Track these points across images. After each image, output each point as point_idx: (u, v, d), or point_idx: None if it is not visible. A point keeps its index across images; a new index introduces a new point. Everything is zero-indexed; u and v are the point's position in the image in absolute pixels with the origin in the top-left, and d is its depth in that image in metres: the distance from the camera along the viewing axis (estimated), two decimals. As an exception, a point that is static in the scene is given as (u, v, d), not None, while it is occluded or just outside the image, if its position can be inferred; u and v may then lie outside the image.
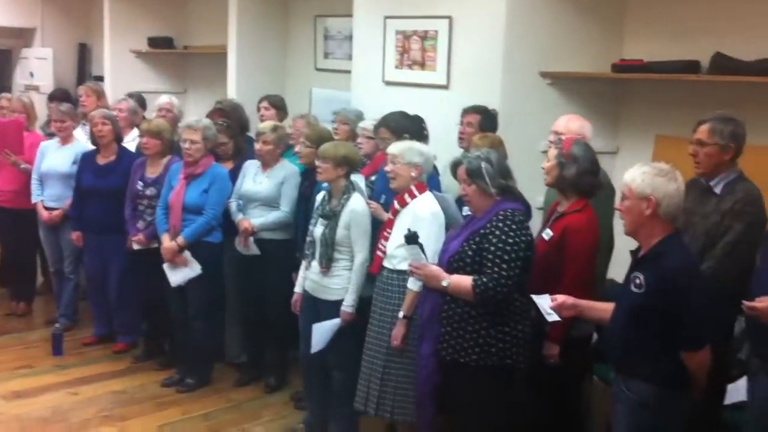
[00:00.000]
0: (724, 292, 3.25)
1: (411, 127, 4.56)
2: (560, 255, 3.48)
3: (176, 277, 4.81)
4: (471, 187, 3.40)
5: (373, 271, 4.02)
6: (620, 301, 3.09)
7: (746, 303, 3.09)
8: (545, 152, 3.54)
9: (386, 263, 3.91)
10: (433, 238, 3.69)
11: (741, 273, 3.39)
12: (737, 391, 3.76)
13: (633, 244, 3.11)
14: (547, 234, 3.58)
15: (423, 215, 3.78)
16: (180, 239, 4.76)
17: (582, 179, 3.55)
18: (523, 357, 3.39)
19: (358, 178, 4.36)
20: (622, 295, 3.10)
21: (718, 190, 3.53)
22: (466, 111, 4.67)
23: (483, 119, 4.60)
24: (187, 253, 4.77)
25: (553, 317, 3.21)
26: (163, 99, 6.21)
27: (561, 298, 3.20)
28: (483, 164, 3.37)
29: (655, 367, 2.94)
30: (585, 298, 3.36)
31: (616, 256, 3.97)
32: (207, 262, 4.81)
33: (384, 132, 4.53)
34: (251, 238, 4.77)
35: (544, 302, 3.22)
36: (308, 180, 4.73)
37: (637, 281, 2.95)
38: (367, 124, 4.79)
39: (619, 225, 3.16)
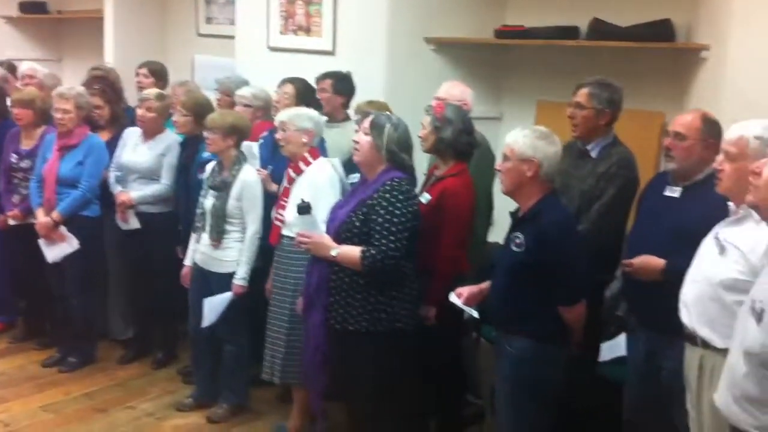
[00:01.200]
0: (599, 252, 3.35)
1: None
2: (438, 218, 3.51)
3: (53, 253, 4.61)
4: (366, 138, 3.38)
5: (272, 242, 3.97)
6: (501, 261, 3.16)
7: (624, 261, 3.22)
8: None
9: (286, 232, 3.87)
10: (330, 205, 3.66)
11: (615, 233, 3.52)
12: (617, 346, 3.91)
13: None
14: (425, 198, 3.61)
15: (320, 182, 3.76)
16: (55, 214, 4.55)
17: (459, 139, 3.61)
18: (413, 320, 3.42)
19: (251, 145, 4.28)
20: (502, 255, 3.17)
21: (594, 153, 3.62)
22: (319, 78, 4.65)
23: (335, 82, 4.59)
24: (63, 228, 4.57)
25: (473, 312, 3.24)
26: (25, 66, 5.85)
27: (465, 292, 3.24)
28: (388, 125, 3.36)
29: (534, 323, 3.04)
30: (462, 258, 3.50)
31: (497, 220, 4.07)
32: (85, 237, 4.62)
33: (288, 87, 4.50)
34: (130, 212, 4.62)
35: (457, 301, 3.24)
36: (187, 150, 4.61)
37: (517, 241, 3.03)
38: (245, 91, 4.69)
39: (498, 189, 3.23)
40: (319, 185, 3.75)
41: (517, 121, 4.39)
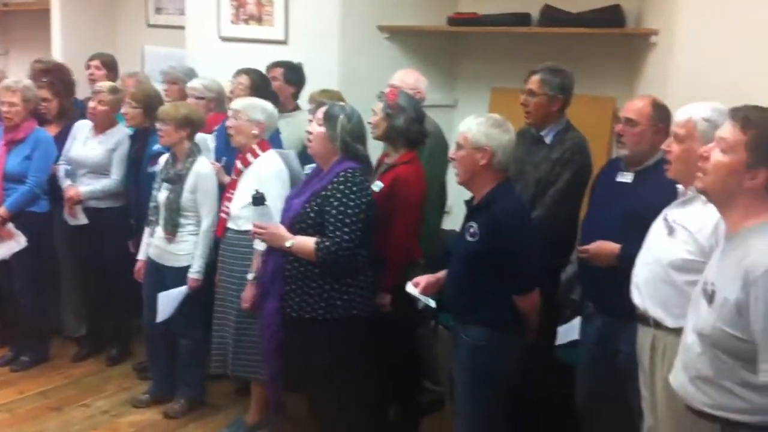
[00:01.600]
0: (554, 238, 3.37)
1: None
2: (391, 205, 3.51)
3: (0, 250, 4.50)
4: (320, 129, 3.35)
5: (218, 234, 3.93)
6: (456, 250, 3.16)
7: (579, 247, 3.24)
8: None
9: (231, 224, 3.83)
10: (278, 198, 3.63)
11: (569, 219, 3.54)
12: (572, 329, 3.95)
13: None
14: (377, 186, 3.60)
15: (267, 175, 3.72)
16: (2, 210, 4.45)
17: (411, 128, 3.60)
18: (368, 307, 3.42)
19: (205, 138, 4.22)
20: (457, 244, 3.17)
21: (548, 140, 3.63)
22: (270, 67, 4.61)
23: (286, 71, 4.56)
24: (10, 225, 4.46)
25: (429, 302, 3.23)
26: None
27: (422, 281, 3.23)
28: (342, 116, 3.33)
29: (489, 312, 3.05)
30: (414, 246, 3.52)
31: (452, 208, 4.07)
32: (33, 234, 4.52)
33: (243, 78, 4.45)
34: (78, 207, 4.54)
35: (414, 291, 3.23)
36: (137, 143, 4.53)
37: (472, 230, 3.03)
38: (196, 84, 4.62)
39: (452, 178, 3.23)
40: (265, 178, 3.70)
41: (471, 108, 4.40)
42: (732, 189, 2.16)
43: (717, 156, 2.17)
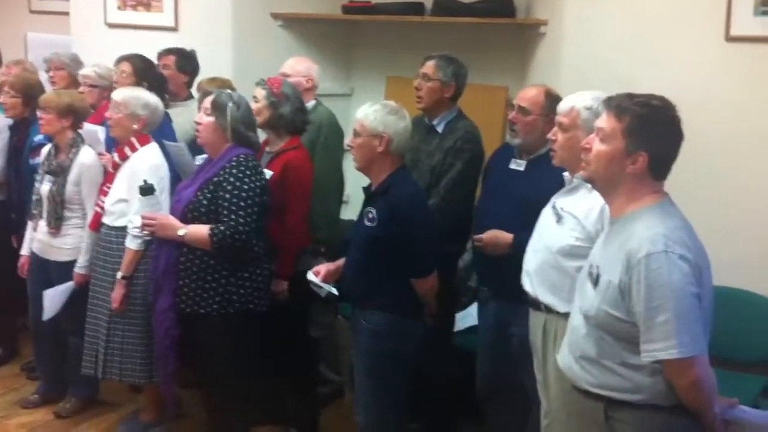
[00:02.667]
0: (449, 226, 3.41)
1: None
2: (282, 191, 3.48)
3: None
4: (209, 119, 3.29)
5: (92, 228, 3.80)
6: (355, 236, 3.17)
7: (474, 236, 3.29)
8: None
9: (105, 219, 3.71)
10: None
11: (464, 207, 3.59)
12: (470, 316, 4.03)
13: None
14: (267, 173, 3.56)
15: (140, 168, 3.59)
16: None
17: (296, 116, 3.59)
18: (265, 300, 3.38)
19: (97, 129, 4.04)
20: (356, 230, 3.18)
21: (440, 129, 3.67)
22: (161, 54, 4.50)
23: (179, 59, 4.46)
24: None
25: (332, 289, 3.21)
26: None
27: (322, 270, 3.22)
28: (230, 104, 3.27)
29: (388, 296, 3.07)
30: (306, 231, 3.57)
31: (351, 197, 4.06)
32: None
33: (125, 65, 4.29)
34: None
35: (315, 279, 3.21)
36: (17, 133, 4.34)
37: (370, 215, 3.05)
38: (89, 71, 4.44)
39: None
40: (141, 173, 3.57)
41: (367, 96, 4.39)
42: (615, 176, 2.22)
43: (597, 146, 2.23)
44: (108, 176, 3.75)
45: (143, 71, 4.25)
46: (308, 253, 3.66)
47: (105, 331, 3.67)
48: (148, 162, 3.62)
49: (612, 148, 2.19)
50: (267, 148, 3.64)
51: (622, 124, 2.18)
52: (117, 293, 3.56)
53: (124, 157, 3.67)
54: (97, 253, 3.75)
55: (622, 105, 2.20)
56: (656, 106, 2.19)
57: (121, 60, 4.34)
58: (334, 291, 3.23)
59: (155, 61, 4.45)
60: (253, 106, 3.53)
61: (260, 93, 3.58)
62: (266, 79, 3.65)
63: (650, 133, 2.16)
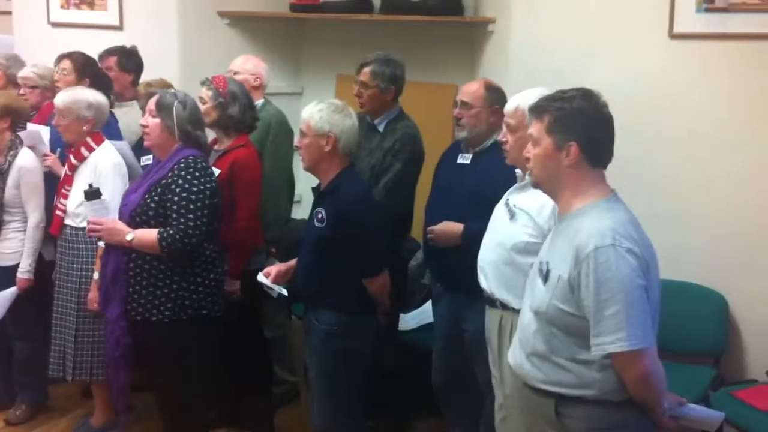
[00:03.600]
0: (388, 224, 3.39)
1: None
2: (230, 190, 3.46)
3: None
4: (155, 120, 3.24)
5: (53, 233, 3.73)
6: (306, 237, 3.16)
7: (426, 228, 3.31)
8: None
9: (69, 221, 3.66)
10: (117, 192, 3.51)
11: (404, 206, 3.61)
12: (424, 313, 4.04)
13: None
14: (215, 172, 3.53)
15: (104, 168, 3.57)
16: None
17: (246, 115, 3.57)
18: (219, 305, 3.34)
19: (40, 129, 3.98)
20: (307, 231, 3.17)
21: (381, 128, 3.68)
22: (102, 56, 4.42)
23: (120, 58, 4.39)
24: None
25: (282, 290, 3.20)
26: None
27: (273, 271, 3.21)
28: (176, 103, 3.23)
29: (339, 296, 3.06)
30: (257, 229, 3.57)
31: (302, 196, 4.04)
32: None
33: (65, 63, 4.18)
34: None
35: (265, 280, 3.19)
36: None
37: (319, 216, 3.05)
38: (28, 72, 4.35)
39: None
40: (103, 172, 3.56)
41: (317, 95, 4.35)
42: (555, 173, 2.25)
43: (532, 151, 2.28)
44: (65, 178, 3.70)
45: (84, 68, 4.17)
46: (261, 253, 3.64)
47: (73, 332, 3.63)
48: (110, 160, 3.61)
49: (543, 149, 2.24)
50: (215, 147, 3.61)
51: (544, 123, 2.23)
52: (93, 294, 3.49)
53: (81, 159, 3.63)
54: (62, 255, 3.69)
55: (540, 106, 2.26)
56: (570, 97, 2.23)
57: (61, 58, 4.25)
58: (284, 292, 3.22)
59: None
60: (201, 107, 3.49)
61: (206, 94, 3.55)
62: (211, 79, 3.61)
63: (571, 122, 2.20)
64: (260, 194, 3.60)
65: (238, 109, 3.53)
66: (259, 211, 3.62)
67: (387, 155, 3.58)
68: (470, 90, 3.29)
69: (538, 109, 2.26)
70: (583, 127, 2.21)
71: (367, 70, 3.63)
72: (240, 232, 3.49)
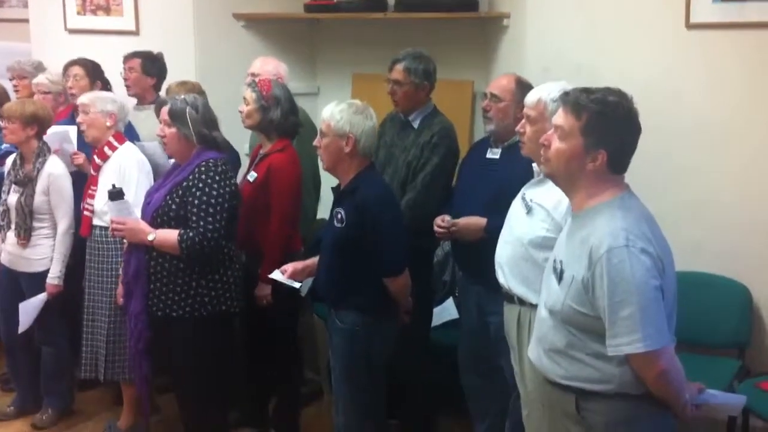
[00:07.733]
0: (425, 222, 3.40)
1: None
2: (266, 195, 3.47)
3: None
4: (171, 130, 3.27)
5: (83, 234, 3.78)
6: (326, 237, 3.17)
7: (443, 221, 3.29)
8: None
9: (97, 221, 3.71)
10: (142, 188, 3.57)
11: (440, 202, 3.59)
12: (446, 310, 4.04)
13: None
14: (252, 176, 3.57)
15: (128, 167, 3.64)
16: None
17: (287, 120, 3.56)
18: (237, 301, 3.37)
19: (67, 129, 4.04)
20: (326, 231, 3.18)
21: (416, 124, 3.67)
22: (127, 57, 4.45)
23: (144, 62, 4.41)
24: None
25: (294, 284, 3.21)
26: None
27: (290, 268, 3.21)
28: (188, 109, 3.25)
29: (361, 296, 3.06)
30: (294, 236, 3.52)
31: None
32: None
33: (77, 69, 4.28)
34: None
35: (280, 277, 3.21)
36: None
37: (339, 216, 3.05)
38: (42, 79, 4.41)
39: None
40: (127, 171, 3.62)
41: (333, 95, 4.39)
42: (575, 173, 2.20)
43: (556, 143, 2.21)
44: (91, 179, 3.75)
45: (94, 72, 4.27)
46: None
47: (105, 331, 3.68)
48: (134, 157, 3.66)
49: (571, 147, 2.17)
50: (261, 151, 3.62)
51: (581, 122, 2.15)
52: (121, 288, 3.51)
53: (104, 158, 3.69)
54: (91, 255, 3.74)
55: (579, 102, 2.17)
56: (614, 102, 2.16)
57: (70, 65, 4.31)
58: (296, 285, 3.23)
59: (122, 65, 4.42)
60: (242, 107, 3.51)
61: (250, 96, 3.54)
62: (257, 81, 3.61)
63: (609, 130, 2.15)
64: (298, 201, 3.58)
65: (280, 114, 3.51)
66: (298, 218, 3.60)
67: (424, 150, 3.56)
68: (501, 83, 3.29)
69: (576, 105, 2.17)
70: (617, 136, 2.16)
71: (399, 67, 3.62)
72: (272, 238, 3.48)
